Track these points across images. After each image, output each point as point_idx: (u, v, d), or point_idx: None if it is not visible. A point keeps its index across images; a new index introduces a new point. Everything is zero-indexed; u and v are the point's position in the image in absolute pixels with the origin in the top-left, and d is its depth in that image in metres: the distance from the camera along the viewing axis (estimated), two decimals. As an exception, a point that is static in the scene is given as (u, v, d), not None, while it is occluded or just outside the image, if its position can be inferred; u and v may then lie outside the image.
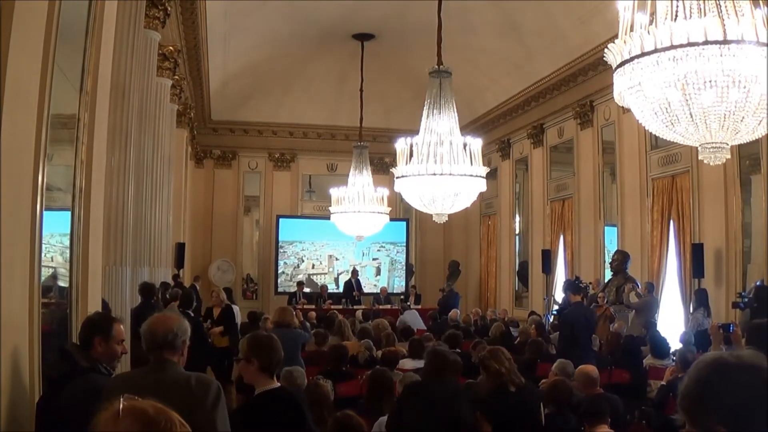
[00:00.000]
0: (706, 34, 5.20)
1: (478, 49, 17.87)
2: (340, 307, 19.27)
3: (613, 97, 6.25)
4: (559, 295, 15.88)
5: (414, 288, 22.47)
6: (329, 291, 21.76)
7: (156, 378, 3.64)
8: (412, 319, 16.84)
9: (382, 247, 23.71)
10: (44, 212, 4.26)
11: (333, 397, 6.73)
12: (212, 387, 3.67)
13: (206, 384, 3.68)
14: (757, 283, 10.96)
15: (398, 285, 23.67)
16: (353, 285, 21.40)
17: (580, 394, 6.94)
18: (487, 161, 11.73)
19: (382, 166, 21.90)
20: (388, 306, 20.17)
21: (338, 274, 23.52)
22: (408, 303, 20.05)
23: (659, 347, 10.16)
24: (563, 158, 18.69)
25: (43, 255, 4.32)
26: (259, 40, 18.09)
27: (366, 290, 21.95)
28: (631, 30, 5.62)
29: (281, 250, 23.14)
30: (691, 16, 5.33)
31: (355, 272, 22.07)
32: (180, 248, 17.62)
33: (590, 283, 14.97)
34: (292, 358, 8.79)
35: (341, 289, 22.01)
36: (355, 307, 19.21)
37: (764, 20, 5.28)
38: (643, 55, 5.49)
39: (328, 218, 18.28)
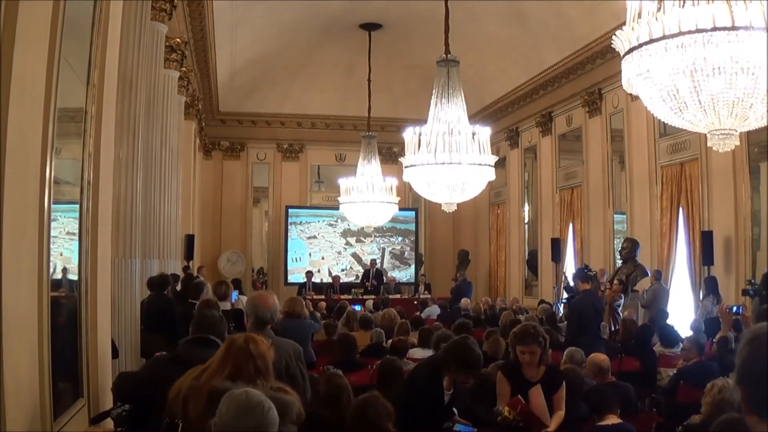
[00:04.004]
0: (714, 20, 5.17)
1: (485, 38, 17.82)
2: (350, 297, 19.28)
3: (621, 85, 6.23)
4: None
5: (424, 276, 22.42)
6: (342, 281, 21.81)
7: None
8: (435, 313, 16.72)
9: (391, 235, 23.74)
10: (53, 206, 4.27)
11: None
12: (297, 347, 5.29)
13: (297, 348, 5.29)
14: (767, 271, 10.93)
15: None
16: (371, 275, 21.39)
17: (591, 382, 6.94)
18: (495, 150, 11.72)
19: (391, 155, 21.91)
20: (398, 296, 20.17)
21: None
22: (424, 293, 19.98)
23: (668, 336, 10.14)
24: (572, 146, 18.65)
25: (51, 248, 4.33)
26: (266, 31, 18.09)
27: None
28: (639, 17, 5.60)
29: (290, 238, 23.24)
30: (699, 3, 5.30)
31: (373, 262, 22.06)
32: (189, 240, 17.64)
33: (596, 272, 14.91)
34: (302, 347, 8.80)
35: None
36: (365, 297, 19.19)
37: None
38: (651, 41, 5.46)
39: (337, 208, 18.32)
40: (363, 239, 23.54)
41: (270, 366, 3.87)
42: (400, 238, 23.88)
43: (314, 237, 23.42)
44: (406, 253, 23.96)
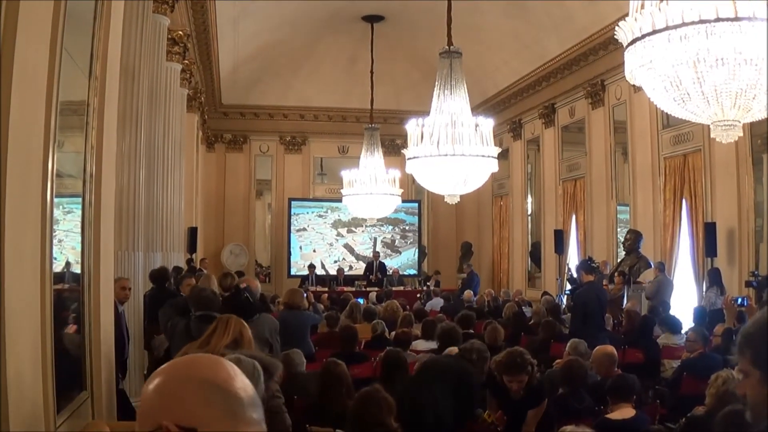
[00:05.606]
0: (717, 11, 5.16)
1: (487, 29, 17.80)
2: (353, 289, 19.29)
3: (624, 77, 6.23)
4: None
5: (438, 273, 22.12)
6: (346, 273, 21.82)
7: None
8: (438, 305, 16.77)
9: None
10: (67, 199, 4.26)
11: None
12: (275, 322, 7.21)
13: (275, 323, 7.13)
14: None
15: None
16: (373, 267, 21.37)
17: (594, 375, 6.94)
18: (498, 142, 11.70)
19: (394, 147, 21.86)
20: (401, 288, 20.17)
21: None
22: (430, 286, 19.92)
23: (671, 323, 10.14)
24: (575, 138, 18.62)
25: (54, 242, 4.32)
26: (269, 23, 18.07)
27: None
28: (642, 8, 5.58)
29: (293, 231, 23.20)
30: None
31: (376, 255, 22.04)
32: (192, 233, 17.65)
33: (599, 264, 14.90)
34: (302, 339, 8.81)
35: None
36: (368, 289, 19.21)
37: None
38: (654, 32, 5.45)
39: (340, 201, 18.31)
40: (354, 230, 23.48)
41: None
42: (390, 227, 23.76)
43: (304, 229, 23.32)
44: (397, 242, 23.87)
